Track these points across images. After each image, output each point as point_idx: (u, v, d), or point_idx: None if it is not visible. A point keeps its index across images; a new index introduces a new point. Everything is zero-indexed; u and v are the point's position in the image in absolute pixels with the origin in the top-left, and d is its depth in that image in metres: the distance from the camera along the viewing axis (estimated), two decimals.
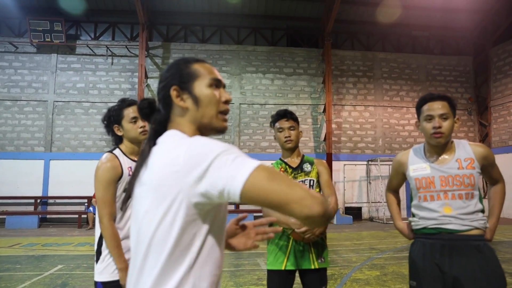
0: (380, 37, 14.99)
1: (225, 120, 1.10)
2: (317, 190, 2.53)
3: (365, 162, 13.94)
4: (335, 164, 13.32)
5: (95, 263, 2.06)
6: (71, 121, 13.21)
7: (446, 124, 1.93)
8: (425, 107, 1.99)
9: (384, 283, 5.01)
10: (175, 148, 0.93)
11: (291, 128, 2.51)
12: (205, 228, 0.93)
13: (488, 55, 14.73)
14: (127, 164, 2.10)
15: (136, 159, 2.14)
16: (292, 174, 2.52)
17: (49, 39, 12.87)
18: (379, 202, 13.53)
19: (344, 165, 13.80)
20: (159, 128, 1.07)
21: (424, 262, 1.98)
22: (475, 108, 15.15)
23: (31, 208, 12.30)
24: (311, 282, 2.40)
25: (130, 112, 2.14)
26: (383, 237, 9.39)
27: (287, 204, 0.83)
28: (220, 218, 0.98)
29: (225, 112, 1.10)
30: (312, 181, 2.52)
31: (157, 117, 1.09)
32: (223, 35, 14.42)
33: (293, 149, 2.56)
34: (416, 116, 2.10)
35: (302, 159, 2.59)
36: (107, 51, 13.50)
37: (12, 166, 12.62)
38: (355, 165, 13.80)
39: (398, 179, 2.25)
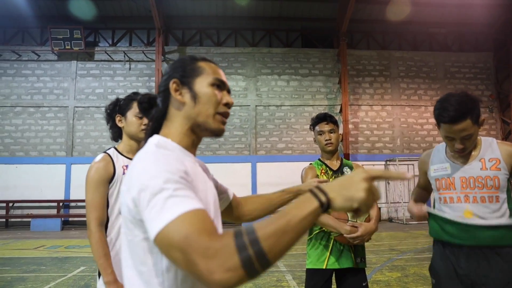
0: (396, 35, 14.80)
1: (223, 123, 1.04)
2: None
3: (383, 162, 13.77)
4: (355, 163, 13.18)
5: (97, 278, 1.86)
6: (91, 126, 13.51)
7: (469, 143, 1.75)
8: (443, 126, 1.74)
9: (405, 284, 4.94)
10: (134, 163, 0.88)
11: (331, 131, 2.55)
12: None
13: (510, 50, 14.33)
14: (122, 163, 1.96)
15: (133, 157, 2.00)
16: (333, 177, 2.53)
17: (69, 47, 13.21)
18: (398, 202, 13.33)
19: (362, 165, 13.64)
20: (156, 125, 1.05)
21: (444, 262, 1.93)
22: (497, 105, 14.78)
23: (54, 211, 12.62)
24: (351, 282, 2.41)
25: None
26: (403, 237, 9.25)
27: (192, 264, 0.71)
28: None
29: (225, 115, 1.04)
30: None
31: (155, 113, 1.06)
32: (238, 38, 14.50)
33: (333, 152, 2.59)
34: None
35: (342, 162, 2.63)
36: (124, 56, 13.76)
37: (36, 171, 12.99)
38: (373, 165, 13.63)
39: (424, 179, 2.11)
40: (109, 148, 2.05)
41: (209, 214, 0.77)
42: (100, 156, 1.97)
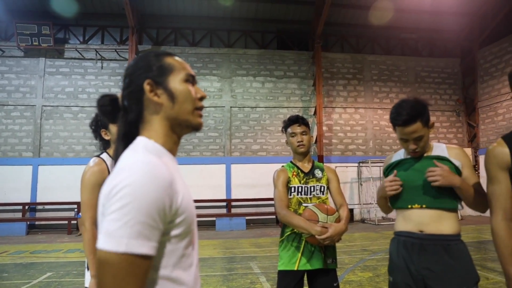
0: (370, 39, 15.13)
1: (201, 116, 1.04)
2: (327, 196, 2.61)
3: (356, 164, 14.01)
4: (326, 165, 13.35)
5: (85, 269, 2.07)
6: (60, 125, 13.04)
7: (422, 143, 1.94)
8: (397, 128, 1.94)
9: (377, 284, 5.02)
10: (118, 168, 0.86)
11: (303, 133, 2.60)
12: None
13: (475, 57, 14.95)
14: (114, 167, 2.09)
15: None
16: (304, 179, 2.56)
17: (36, 43, 12.70)
18: (370, 203, 13.59)
19: (336, 167, 13.83)
20: (130, 130, 0.99)
21: (398, 258, 2.02)
22: (463, 109, 15.35)
23: (19, 215, 12.08)
24: (322, 282, 2.43)
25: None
26: (375, 238, 9.42)
27: None
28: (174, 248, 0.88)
29: (201, 109, 1.04)
30: (323, 187, 2.59)
31: (127, 117, 0.99)
32: (213, 38, 14.40)
33: (305, 154, 2.64)
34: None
35: (313, 164, 2.66)
36: (96, 55, 13.38)
37: None
38: (346, 167, 13.85)
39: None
40: (102, 153, 2.19)
41: (144, 267, 0.78)
42: (94, 161, 2.11)
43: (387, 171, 2.15)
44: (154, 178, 0.81)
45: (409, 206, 1.98)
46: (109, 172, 2.04)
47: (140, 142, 0.94)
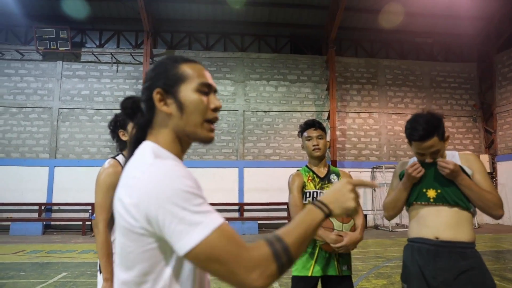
0: (384, 44, 15.01)
1: (212, 130, 1.00)
2: None
3: (370, 169, 13.87)
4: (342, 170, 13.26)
5: (98, 272, 2.05)
6: (76, 128, 13.26)
7: (438, 156, 1.96)
8: (413, 143, 1.96)
9: None
10: (131, 172, 0.88)
11: (319, 137, 2.56)
12: (169, 256, 0.87)
13: (493, 61, 14.69)
14: None
15: None
16: (320, 184, 2.53)
17: (54, 47, 12.96)
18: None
19: (349, 172, 13.69)
20: (141, 134, 1.01)
21: (412, 266, 1.99)
22: (480, 115, 15.08)
23: (36, 215, 12.30)
24: None
25: None
26: (389, 245, 9.29)
27: (232, 274, 0.79)
28: None
29: (213, 121, 1.00)
30: None
31: (139, 121, 1.02)
32: (227, 43, 14.48)
33: (320, 158, 2.59)
34: None
35: (329, 169, 2.63)
36: (112, 58, 13.58)
37: (17, 173, 12.65)
38: (360, 172, 13.72)
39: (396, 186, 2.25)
40: (117, 154, 2.20)
41: (229, 228, 0.83)
42: (109, 162, 2.11)
43: (403, 175, 2.13)
44: (175, 173, 0.84)
45: (424, 190, 1.98)
46: None
47: (147, 146, 0.94)
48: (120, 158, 2.15)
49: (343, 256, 2.44)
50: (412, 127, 1.92)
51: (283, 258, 0.81)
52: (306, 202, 2.50)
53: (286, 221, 12.64)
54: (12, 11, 13.07)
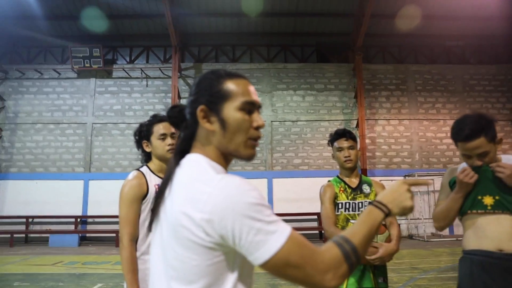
0: (412, 49, 14.69)
1: (254, 147, 1.01)
2: None
3: (402, 177, 13.48)
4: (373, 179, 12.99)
5: None
6: (109, 142, 13.70)
7: (487, 159, 1.83)
8: (459, 144, 1.86)
9: None
10: (199, 186, 0.88)
11: (351, 148, 2.51)
12: (232, 268, 0.89)
13: None
14: (154, 182, 2.04)
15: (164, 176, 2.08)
16: (352, 195, 2.49)
17: (88, 65, 13.54)
18: (418, 218, 12.98)
19: (380, 180, 13.37)
20: (185, 146, 1.02)
21: (474, 281, 1.82)
22: None
23: (72, 227, 12.73)
24: None
25: (160, 128, 2.08)
26: (425, 255, 8.96)
27: (309, 277, 0.83)
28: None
29: (256, 139, 1.00)
30: None
31: (184, 133, 1.03)
32: (253, 54, 14.63)
33: (352, 169, 2.54)
34: None
35: (361, 179, 2.57)
36: (141, 73, 14.01)
37: (55, 187, 13.18)
38: (392, 180, 13.33)
39: (447, 195, 2.05)
40: (141, 166, 2.14)
41: (299, 236, 0.87)
42: (134, 174, 2.05)
43: (453, 183, 1.99)
44: (245, 184, 0.87)
45: (479, 197, 1.85)
46: (147, 186, 2.00)
47: (201, 160, 0.95)
48: (144, 169, 2.09)
49: (379, 268, 2.37)
50: (458, 127, 1.85)
51: (353, 258, 0.86)
52: (339, 213, 2.46)
53: (317, 232, 12.46)
54: (50, 33, 13.81)
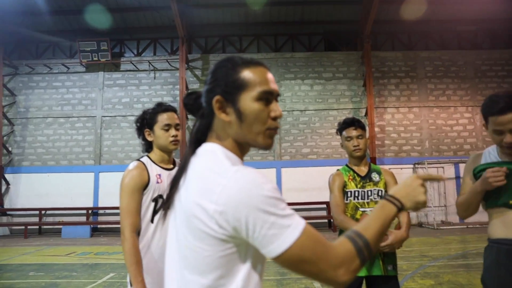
0: (422, 35, 14.44)
1: (272, 137, 0.98)
2: None
3: (412, 166, 13.38)
4: (383, 167, 12.91)
5: (128, 285, 1.87)
6: (118, 134, 13.83)
7: None
8: (492, 118, 1.76)
9: None
10: (214, 177, 0.86)
11: (360, 137, 2.51)
12: (244, 259, 0.88)
13: None
14: (156, 171, 1.99)
15: (166, 166, 2.06)
16: (361, 183, 2.49)
17: (96, 58, 13.62)
18: (428, 206, 12.89)
19: (389, 169, 13.27)
20: (200, 136, 1.00)
21: (498, 270, 1.80)
22: None
23: (84, 219, 12.95)
24: None
25: (164, 118, 2.01)
26: (435, 243, 8.92)
27: (322, 272, 0.83)
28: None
29: (274, 129, 0.97)
30: (380, 191, 2.50)
31: (200, 122, 1.01)
32: (260, 44, 14.54)
33: (361, 158, 2.55)
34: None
35: (370, 167, 2.58)
36: (149, 66, 14.04)
37: (66, 179, 13.40)
38: (401, 168, 13.26)
39: (471, 184, 1.98)
40: (142, 156, 2.07)
41: (313, 229, 0.86)
42: (134, 164, 1.99)
43: (478, 172, 1.92)
44: (260, 176, 0.85)
45: (511, 202, 1.77)
46: (149, 176, 1.95)
47: (218, 150, 0.94)
48: (145, 159, 2.02)
49: (388, 256, 2.37)
50: (492, 100, 1.77)
51: (365, 253, 0.86)
52: (348, 201, 2.46)
53: (326, 220, 12.47)
54: (58, 28, 13.90)
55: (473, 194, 1.87)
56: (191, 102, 1.03)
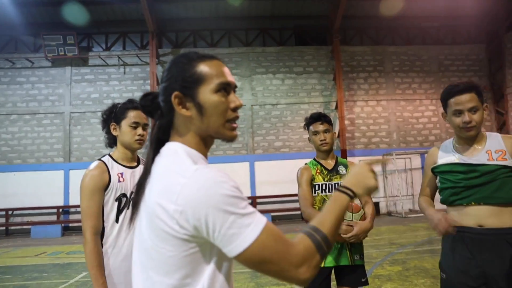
0: (389, 30, 14.87)
1: (234, 129, 0.99)
2: None
3: (380, 157, 13.83)
4: (350, 160, 13.27)
5: None
6: (88, 131, 13.50)
7: (476, 117, 1.83)
8: (452, 100, 1.87)
9: (406, 278, 4.99)
10: (174, 177, 0.86)
11: (326, 131, 2.56)
12: (209, 258, 0.88)
13: (502, 41, 14.44)
14: (117, 170, 1.95)
15: (129, 164, 2.02)
16: (328, 176, 2.54)
17: (62, 53, 13.18)
18: (396, 196, 13.41)
19: (359, 160, 13.60)
20: (161, 134, 0.99)
21: (454, 254, 1.92)
22: (491, 97, 14.87)
23: (54, 218, 12.61)
24: (350, 279, 2.43)
25: (134, 115, 1.94)
26: (403, 231, 9.31)
27: (283, 271, 0.84)
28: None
29: (234, 120, 0.98)
30: None
31: (160, 122, 1.00)
32: (231, 38, 14.52)
33: (328, 151, 2.60)
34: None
35: (337, 161, 2.64)
36: (118, 60, 13.75)
37: (34, 178, 12.97)
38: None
39: (431, 174, 2.10)
40: (103, 156, 2.02)
41: (274, 227, 0.86)
42: (94, 164, 1.93)
43: (436, 169, 2.02)
44: (220, 175, 0.86)
45: (465, 204, 1.88)
46: (109, 176, 1.90)
47: (179, 149, 0.94)
48: (106, 159, 1.97)
49: (355, 246, 2.46)
50: (452, 85, 1.91)
51: (324, 247, 0.87)
52: (316, 194, 2.52)
53: (299, 212, 12.72)
54: (20, 21, 13.32)
55: (428, 215, 1.99)
56: (148, 104, 1.01)
